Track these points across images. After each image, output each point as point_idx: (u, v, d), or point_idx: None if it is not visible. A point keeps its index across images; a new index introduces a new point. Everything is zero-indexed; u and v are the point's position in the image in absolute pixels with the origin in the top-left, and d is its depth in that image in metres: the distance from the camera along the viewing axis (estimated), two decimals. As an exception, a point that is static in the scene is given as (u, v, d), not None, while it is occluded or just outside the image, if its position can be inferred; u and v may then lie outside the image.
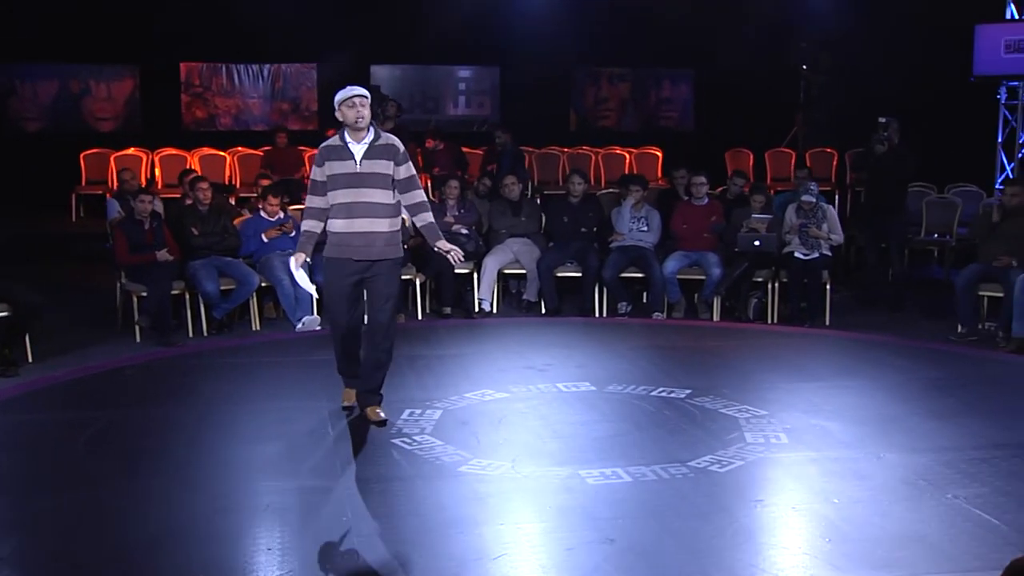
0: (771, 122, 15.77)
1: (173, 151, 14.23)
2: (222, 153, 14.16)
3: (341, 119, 6.06)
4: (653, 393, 6.94)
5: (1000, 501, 5.01)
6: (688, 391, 6.95)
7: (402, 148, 6.19)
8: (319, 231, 6.21)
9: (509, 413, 6.51)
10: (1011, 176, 12.40)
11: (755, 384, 7.16)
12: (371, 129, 6.06)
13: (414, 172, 6.27)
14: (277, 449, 5.88)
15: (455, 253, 6.23)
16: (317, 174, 6.16)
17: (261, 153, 13.97)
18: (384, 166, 6.06)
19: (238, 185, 13.57)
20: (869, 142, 10.18)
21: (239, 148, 14.42)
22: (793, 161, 15.07)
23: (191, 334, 9.05)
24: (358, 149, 6.03)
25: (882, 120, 9.97)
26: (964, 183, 12.34)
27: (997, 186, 12.52)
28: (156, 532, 4.72)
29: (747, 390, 6.97)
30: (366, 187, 6.04)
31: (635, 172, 14.19)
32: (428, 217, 6.27)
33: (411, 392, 6.93)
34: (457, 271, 10.08)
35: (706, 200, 10.26)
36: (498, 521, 4.81)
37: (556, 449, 5.81)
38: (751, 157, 15.15)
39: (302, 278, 6.19)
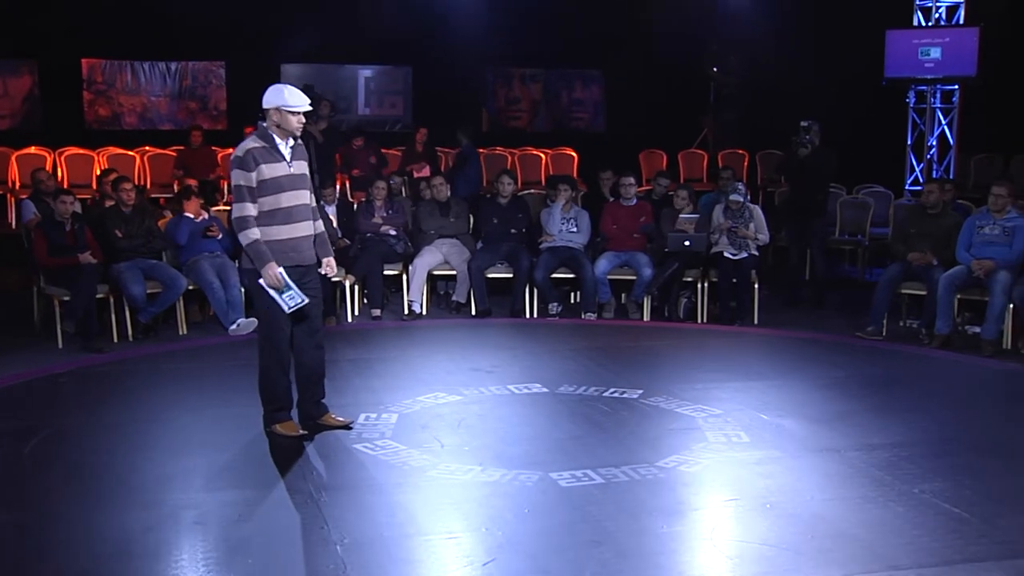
0: (682, 123, 15.98)
1: (78, 150, 13.74)
2: (131, 153, 13.73)
3: (276, 121, 5.80)
4: (606, 394, 6.95)
5: (965, 495, 5.13)
6: (640, 391, 6.98)
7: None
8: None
9: (466, 416, 6.45)
10: (920, 177, 12.78)
11: (704, 384, 7.23)
12: None
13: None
14: (233, 457, 5.73)
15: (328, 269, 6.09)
16: (247, 179, 5.74)
17: (172, 153, 13.59)
18: (305, 167, 5.97)
19: (148, 186, 13.18)
20: (791, 145, 10.38)
21: (147, 148, 14.00)
22: (706, 162, 15.30)
23: (116, 339, 8.77)
24: (287, 150, 5.85)
25: (804, 123, 10.18)
26: (873, 184, 12.69)
27: (907, 187, 12.89)
28: (111, 551, 4.55)
29: (698, 390, 7.03)
30: (299, 189, 5.87)
31: (551, 173, 14.24)
32: (321, 225, 6.12)
33: (361, 396, 6.83)
34: (386, 272, 10.00)
35: (635, 201, 10.34)
36: (479, 526, 4.75)
37: (523, 452, 5.77)
38: (664, 158, 15.32)
39: (293, 291, 5.77)
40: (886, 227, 12.16)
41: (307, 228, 5.93)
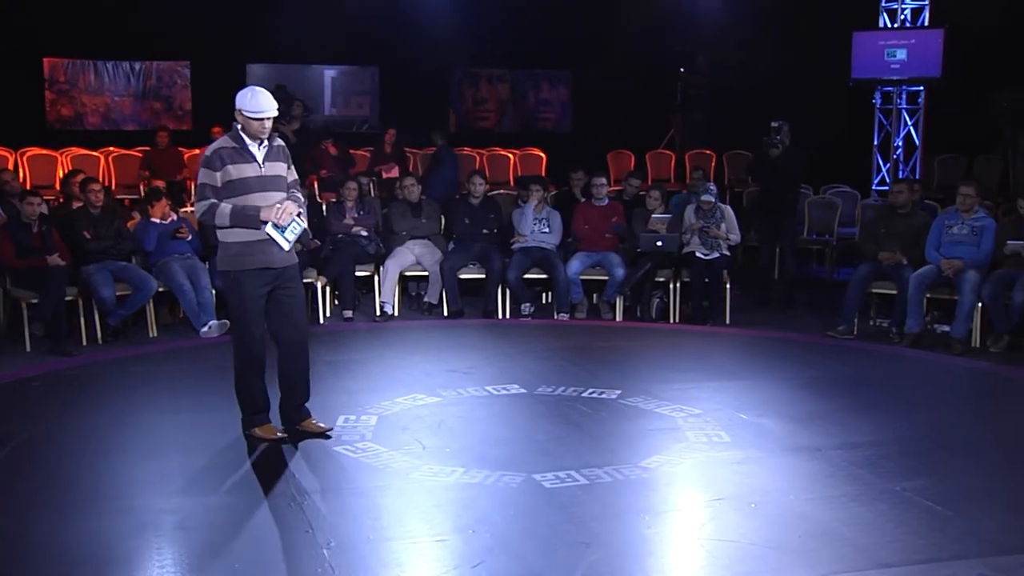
0: (649, 123, 16.03)
1: (40, 151, 13.55)
2: (95, 153, 13.56)
3: (241, 125, 5.70)
4: (585, 394, 6.95)
5: (946, 492, 5.16)
6: (618, 392, 6.98)
7: (288, 150, 6.02)
8: None
9: (446, 417, 6.43)
10: (887, 177, 12.89)
11: (682, 384, 7.24)
12: None
13: (296, 175, 6.09)
14: (211, 461, 5.66)
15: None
16: (211, 178, 5.67)
17: (137, 153, 13.45)
18: (282, 168, 5.85)
19: (114, 187, 13.02)
20: (761, 145, 10.43)
21: (111, 148, 13.84)
22: (673, 162, 15.35)
23: (85, 342, 8.67)
24: (258, 152, 5.74)
25: (774, 124, 10.24)
26: (840, 184, 12.79)
27: (874, 187, 13.00)
28: (91, 558, 4.48)
29: (676, 390, 7.04)
30: (270, 190, 5.74)
31: (519, 174, 14.24)
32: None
33: (339, 398, 6.78)
34: (358, 273, 9.95)
35: (606, 201, 10.36)
36: (466, 528, 4.72)
37: (505, 453, 5.75)
38: (632, 158, 15.36)
39: (295, 222, 5.66)
40: (853, 227, 12.28)
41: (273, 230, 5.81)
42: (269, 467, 5.56)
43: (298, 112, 12.41)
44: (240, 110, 5.67)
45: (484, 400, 6.86)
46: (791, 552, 4.48)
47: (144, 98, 15.71)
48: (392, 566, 4.34)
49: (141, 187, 12.38)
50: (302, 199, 5.91)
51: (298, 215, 5.69)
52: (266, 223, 5.61)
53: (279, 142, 5.88)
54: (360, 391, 6.96)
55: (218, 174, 5.67)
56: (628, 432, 6.19)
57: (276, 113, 5.74)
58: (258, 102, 5.64)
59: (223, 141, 5.75)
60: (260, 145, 5.74)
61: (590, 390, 7.04)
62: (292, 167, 5.98)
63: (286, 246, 5.68)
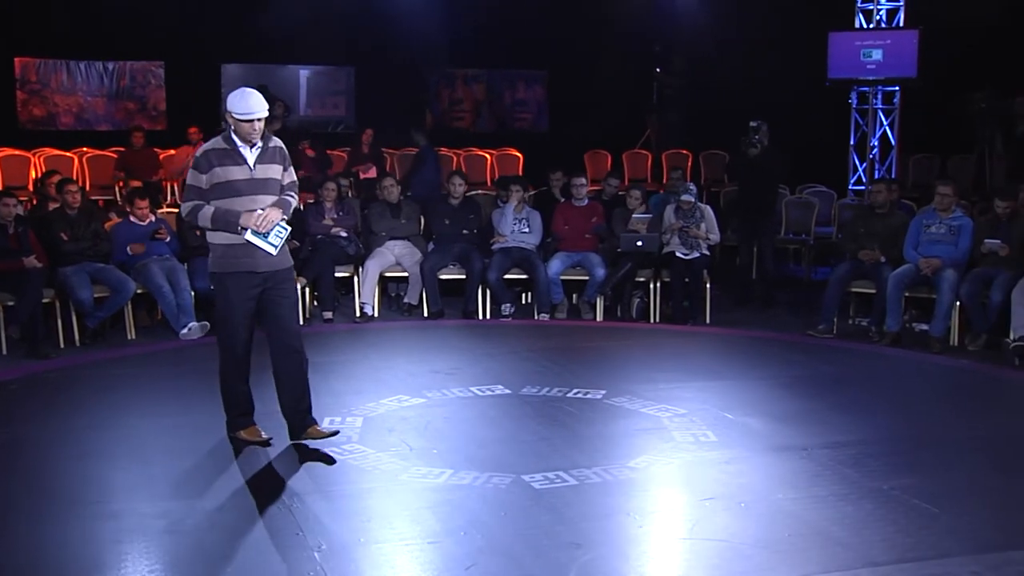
0: (626, 123, 16.05)
1: (12, 151, 13.41)
2: (68, 154, 13.43)
3: (232, 127, 5.57)
4: (570, 395, 6.95)
5: (932, 490, 5.18)
6: (603, 392, 6.99)
7: (286, 151, 5.91)
8: None
9: (432, 419, 6.41)
10: (863, 177, 12.98)
11: (666, 384, 7.25)
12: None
13: (295, 177, 5.97)
14: (197, 464, 5.62)
15: None
16: (198, 180, 5.59)
17: (112, 154, 13.33)
18: (276, 171, 5.71)
19: (88, 188, 12.90)
20: (740, 144, 10.47)
21: (85, 149, 13.72)
22: (650, 162, 15.38)
23: (63, 344, 8.59)
24: (250, 154, 5.61)
25: (753, 124, 10.29)
26: (816, 184, 12.86)
27: (851, 187, 13.08)
28: (79, 564, 4.44)
29: (660, 390, 7.05)
30: (261, 193, 5.60)
31: (497, 174, 14.23)
32: None
33: (323, 399, 6.69)
34: (337, 274, 9.91)
35: (586, 201, 10.37)
36: (457, 530, 4.70)
37: (492, 454, 5.73)
38: (609, 158, 15.38)
39: (278, 226, 5.56)
40: (830, 226, 12.36)
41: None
42: (256, 470, 5.52)
43: (280, 112, 12.34)
44: (230, 112, 5.55)
45: (469, 401, 6.84)
46: (782, 551, 4.49)
47: (117, 98, 15.58)
48: (385, 568, 4.32)
49: (116, 188, 12.28)
50: (293, 202, 5.80)
51: (282, 220, 5.59)
52: (246, 230, 5.52)
53: (276, 143, 5.75)
54: (345, 392, 6.93)
55: (205, 176, 5.58)
56: (615, 432, 6.19)
57: (266, 114, 5.62)
58: (247, 104, 5.52)
59: (214, 142, 5.65)
60: (252, 147, 5.62)
61: (575, 390, 7.03)
62: (290, 169, 5.85)
63: (272, 251, 5.58)
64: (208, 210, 5.57)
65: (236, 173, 5.59)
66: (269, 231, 5.53)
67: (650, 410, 6.59)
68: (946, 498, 5.10)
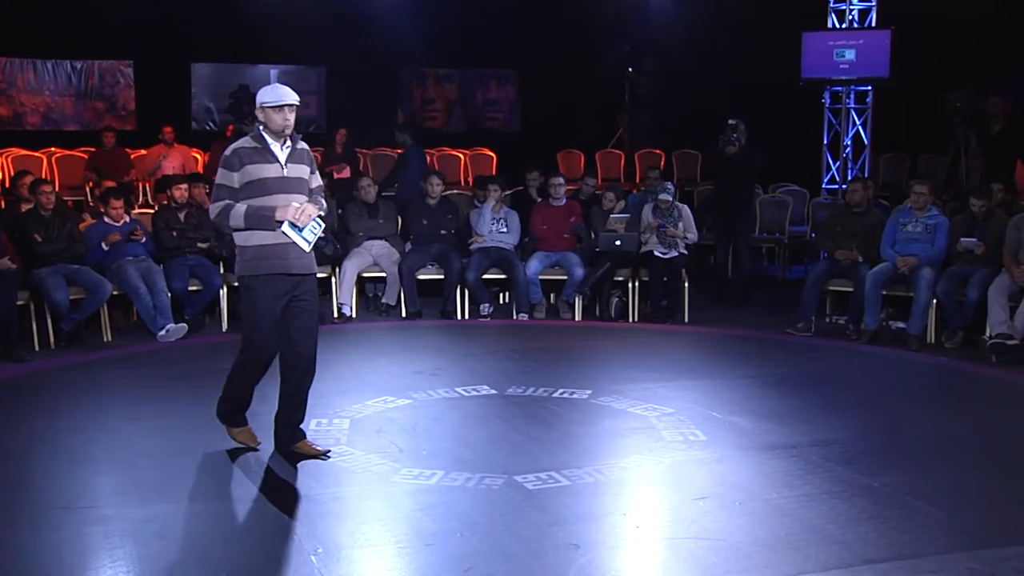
0: (598, 123, 16.06)
1: (-21, 152, 13.27)
2: (36, 154, 13.26)
3: (263, 121, 5.41)
4: (556, 395, 6.94)
5: (923, 487, 5.21)
6: (588, 391, 6.98)
7: (312, 155, 5.76)
8: None
9: (420, 419, 6.37)
10: (837, 176, 13.06)
11: (651, 383, 7.25)
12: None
13: (321, 181, 5.83)
14: (185, 468, 5.54)
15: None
16: (228, 179, 5.39)
17: (81, 154, 13.18)
18: (304, 171, 5.54)
19: (57, 189, 12.71)
20: (717, 143, 10.50)
21: (54, 149, 13.55)
22: (623, 162, 15.40)
23: (38, 347, 8.47)
24: (281, 152, 5.43)
25: (731, 122, 10.34)
26: (788, 183, 12.93)
27: (824, 185, 13.16)
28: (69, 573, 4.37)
29: (645, 389, 7.05)
30: (291, 193, 5.41)
31: (470, 174, 14.20)
32: None
33: (310, 400, 6.58)
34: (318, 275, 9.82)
35: (564, 201, 10.36)
36: (454, 532, 4.67)
37: (483, 455, 5.71)
38: (582, 158, 15.38)
39: (313, 223, 5.37)
40: (803, 225, 12.44)
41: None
42: (246, 473, 5.46)
43: None
44: (261, 105, 5.39)
45: (455, 401, 6.81)
46: (780, 550, 4.49)
47: (86, 98, 15.37)
48: (384, 571, 4.28)
49: (87, 188, 12.14)
50: (324, 205, 5.64)
51: (318, 216, 5.42)
52: (282, 223, 5.33)
53: (303, 145, 5.59)
54: (330, 394, 6.86)
55: (236, 174, 5.38)
56: (604, 432, 6.18)
57: (297, 102, 5.45)
58: (277, 92, 5.39)
59: (244, 141, 5.46)
60: (283, 145, 5.43)
61: (560, 390, 7.02)
62: (316, 172, 5.69)
63: (306, 247, 5.40)
64: (240, 208, 5.36)
65: (268, 171, 5.40)
66: (306, 225, 5.37)
67: (637, 409, 6.58)
68: (938, 495, 5.12)
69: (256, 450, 5.73)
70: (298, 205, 5.34)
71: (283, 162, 5.44)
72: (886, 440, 6.07)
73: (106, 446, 5.93)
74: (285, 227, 5.32)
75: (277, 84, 5.52)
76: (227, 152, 5.48)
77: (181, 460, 5.64)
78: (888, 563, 4.36)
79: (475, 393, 7.00)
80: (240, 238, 5.47)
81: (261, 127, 5.44)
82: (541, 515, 4.86)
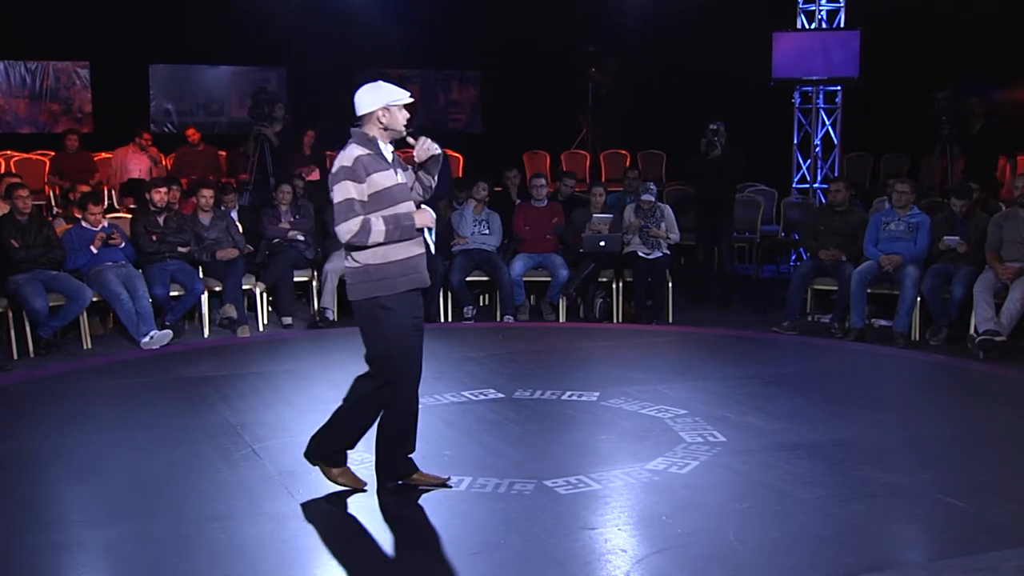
0: (562, 123, 16.02)
1: (-68, 156, 12.86)
2: (-8, 157, 12.91)
3: (385, 123, 4.92)
4: (564, 397, 6.87)
5: (953, 485, 5.19)
6: (597, 394, 6.92)
7: None
8: None
9: (434, 424, 6.24)
10: (807, 175, 13.16)
11: (657, 384, 7.21)
12: None
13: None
14: (186, 482, 5.38)
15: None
16: (359, 191, 4.79)
17: (39, 157, 12.83)
18: (409, 176, 5.09)
19: (17, 192, 12.38)
20: (700, 146, 10.51)
21: (10, 152, 13.17)
22: (588, 162, 15.37)
23: (16, 356, 8.22)
24: (391, 158, 4.98)
25: (712, 126, 10.39)
26: (757, 183, 12.99)
27: (795, 185, 13.25)
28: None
29: (653, 390, 7.01)
30: (409, 200, 4.98)
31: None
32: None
33: (311, 406, 6.49)
34: (296, 279, 9.69)
35: (546, 201, 10.31)
36: (496, 540, 4.57)
37: (507, 460, 5.62)
38: (548, 158, 15.33)
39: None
40: (775, 224, 12.53)
41: (421, 244, 5.05)
42: (257, 484, 5.31)
43: (280, 114, 12.03)
44: (386, 105, 4.91)
45: (465, 405, 6.72)
46: (829, 550, 4.45)
47: (41, 99, 14.96)
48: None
49: (52, 192, 11.83)
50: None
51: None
52: (421, 230, 4.96)
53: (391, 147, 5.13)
54: (334, 400, 6.55)
55: (364, 186, 4.81)
56: (623, 434, 6.11)
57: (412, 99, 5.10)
58: (396, 89, 4.96)
59: (359, 149, 4.85)
60: (390, 150, 5.01)
61: (568, 393, 6.96)
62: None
63: (433, 249, 5.16)
64: (379, 223, 4.79)
65: (389, 179, 4.90)
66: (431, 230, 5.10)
67: (650, 411, 6.53)
68: (967, 493, 5.11)
69: (364, 491, 5.15)
70: (430, 210, 5.07)
71: (395, 169, 5.00)
72: (902, 438, 6.10)
73: (91, 459, 5.70)
74: (426, 233, 5.03)
75: (381, 81, 5.02)
76: (346, 163, 4.83)
77: (173, 473, 5.48)
78: (937, 562, 4.36)
79: (483, 397, 6.90)
80: (374, 256, 4.88)
81: (367, 130, 4.94)
82: (580, 520, 4.79)
